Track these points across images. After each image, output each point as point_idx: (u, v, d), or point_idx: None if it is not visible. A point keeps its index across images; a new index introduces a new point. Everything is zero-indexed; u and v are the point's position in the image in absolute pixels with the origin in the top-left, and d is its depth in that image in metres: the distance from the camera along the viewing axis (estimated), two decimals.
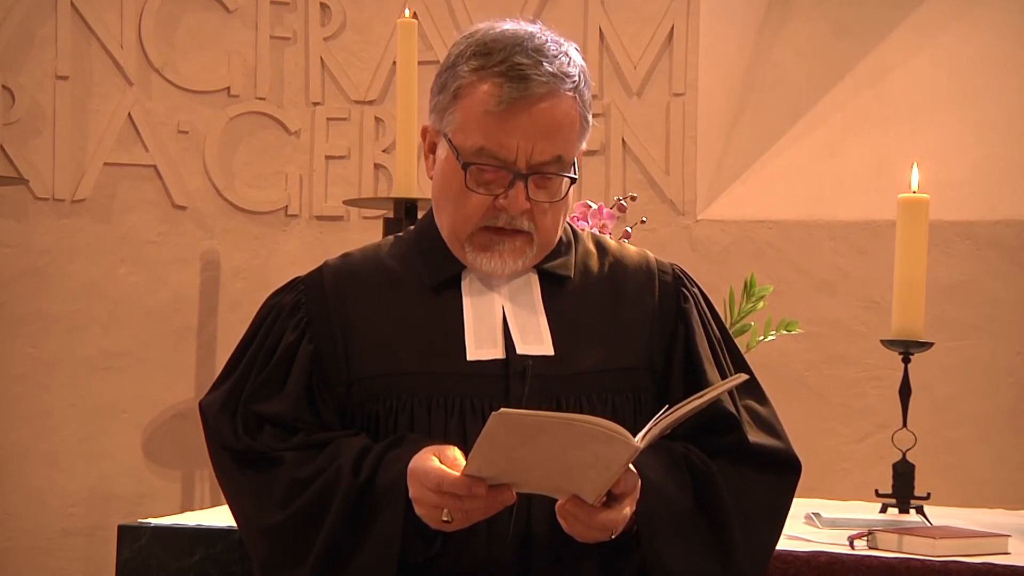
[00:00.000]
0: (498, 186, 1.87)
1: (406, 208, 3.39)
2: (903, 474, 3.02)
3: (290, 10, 4.40)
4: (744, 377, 1.86)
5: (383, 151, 4.39)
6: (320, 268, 2.01)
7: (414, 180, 3.42)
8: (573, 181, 1.91)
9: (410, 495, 1.79)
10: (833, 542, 2.57)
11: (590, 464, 1.69)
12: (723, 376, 1.97)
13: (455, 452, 1.79)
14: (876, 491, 3.05)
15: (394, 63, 4.00)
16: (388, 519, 1.82)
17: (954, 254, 4.03)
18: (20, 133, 4.14)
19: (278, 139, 4.41)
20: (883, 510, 3.02)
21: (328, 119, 4.42)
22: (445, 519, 1.75)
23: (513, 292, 1.94)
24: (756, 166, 4.33)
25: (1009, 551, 2.56)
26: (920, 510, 2.98)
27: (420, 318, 1.93)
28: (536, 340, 1.91)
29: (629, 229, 3.08)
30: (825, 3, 4.44)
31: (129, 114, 4.24)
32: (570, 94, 1.87)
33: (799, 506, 2.23)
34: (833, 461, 4.04)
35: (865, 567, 2.44)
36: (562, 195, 1.90)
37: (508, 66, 1.84)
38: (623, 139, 4.26)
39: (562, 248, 1.98)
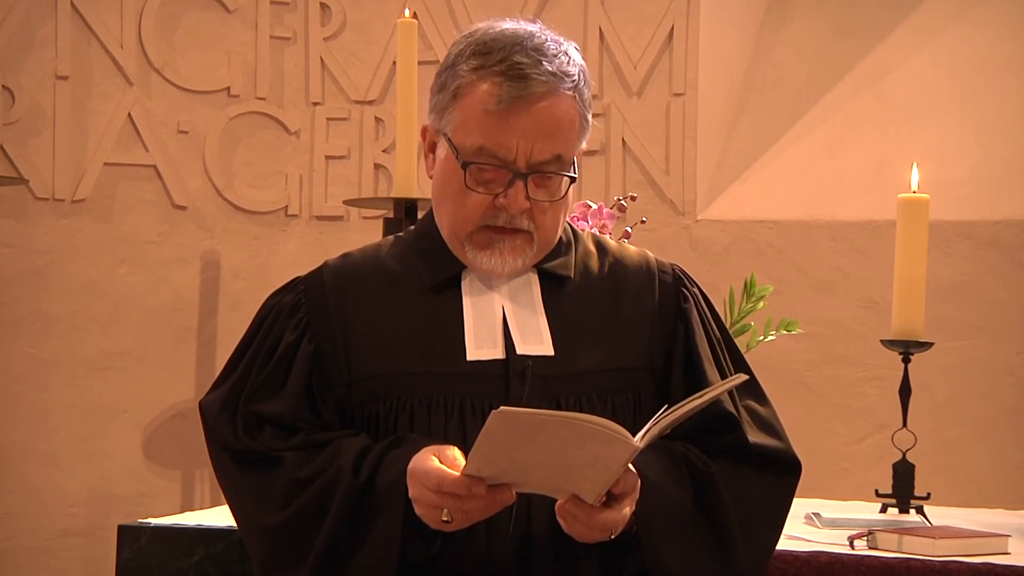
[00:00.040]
0: (498, 185, 1.87)
1: (406, 208, 3.39)
2: (903, 474, 3.02)
3: (290, 10, 4.40)
4: (744, 377, 1.86)
5: (383, 151, 4.39)
6: (320, 268, 2.01)
7: (414, 180, 3.42)
8: (573, 180, 1.91)
9: (410, 495, 1.79)
10: (833, 542, 2.57)
11: (590, 464, 1.69)
12: (723, 376, 1.97)
13: (455, 452, 1.79)
14: (876, 491, 3.05)
15: (394, 63, 4.00)
16: (388, 519, 1.81)
17: (954, 254, 4.03)
18: (20, 133, 4.14)
19: (278, 139, 4.41)
20: (883, 510, 3.02)
21: (328, 119, 4.42)
22: (445, 519, 1.75)
23: (513, 292, 1.94)
24: (756, 166, 4.33)
25: (1009, 551, 2.56)
26: (920, 510, 2.98)
27: (420, 318, 1.93)
28: (536, 340, 1.91)
29: (629, 229, 3.08)
30: (825, 3, 4.44)
31: (129, 114, 4.24)
32: (570, 93, 1.87)
33: (799, 506, 2.23)
34: (833, 461, 4.04)
35: (865, 567, 2.44)
36: (562, 194, 1.90)
37: (508, 65, 1.84)
38: (623, 139, 4.26)
39: (562, 248, 1.98)
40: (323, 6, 4.41)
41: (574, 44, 1.92)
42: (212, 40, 4.33)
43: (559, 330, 1.93)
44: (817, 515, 2.84)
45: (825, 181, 4.26)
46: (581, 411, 1.84)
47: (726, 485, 1.91)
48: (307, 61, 4.41)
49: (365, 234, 4.15)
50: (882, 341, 3.09)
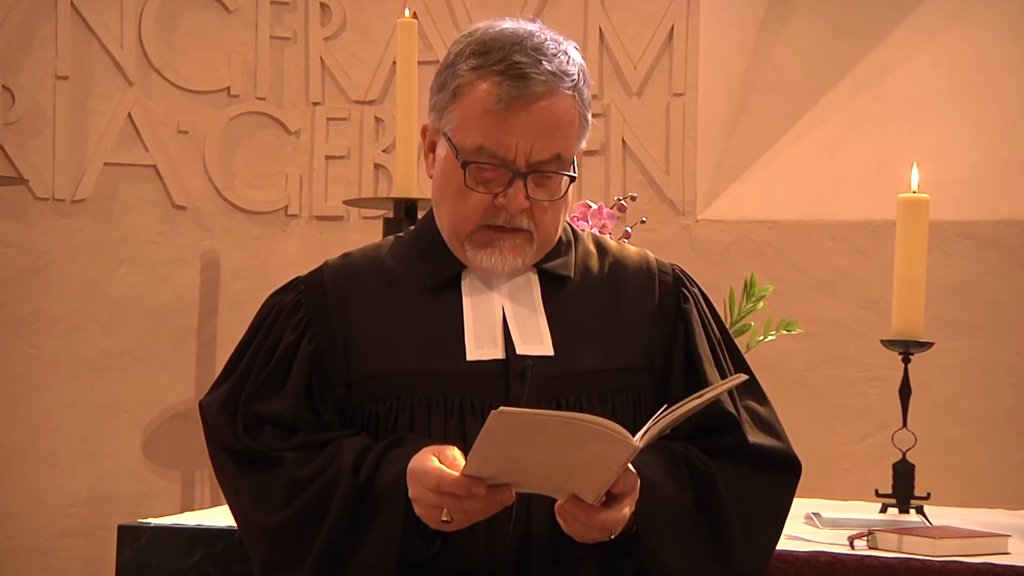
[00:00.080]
0: (497, 184, 1.87)
1: (406, 208, 3.39)
2: (903, 474, 3.02)
3: (290, 10, 4.40)
4: (743, 377, 1.86)
5: (383, 151, 4.39)
6: (320, 268, 2.01)
7: (414, 180, 3.41)
8: (572, 179, 1.91)
9: (410, 495, 1.79)
10: (833, 542, 2.57)
11: (589, 464, 1.69)
12: (723, 376, 1.97)
13: (455, 452, 1.79)
14: (876, 491, 3.05)
15: (394, 63, 4.00)
16: (388, 519, 1.81)
17: (954, 254, 4.03)
18: (20, 133, 4.14)
19: (278, 139, 4.41)
20: (883, 510, 3.02)
21: (328, 119, 4.42)
22: (445, 519, 1.75)
23: (513, 292, 1.94)
24: (756, 166, 4.33)
25: (1009, 551, 2.55)
26: (920, 510, 2.98)
27: (420, 318, 1.93)
28: (536, 340, 1.91)
29: (629, 229, 3.08)
30: (825, 3, 4.44)
31: (129, 114, 4.24)
32: (569, 92, 1.87)
33: (799, 506, 2.23)
34: (833, 461, 4.04)
35: (865, 567, 2.44)
36: (561, 193, 1.90)
37: (507, 65, 1.84)
38: (623, 139, 4.26)
39: (562, 248, 1.98)
40: (323, 6, 4.41)
41: (573, 44, 1.92)
42: (212, 40, 4.33)
43: (559, 330, 1.93)
44: (817, 515, 2.84)
45: (825, 181, 4.26)
46: (581, 411, 1.84)
47: (726, 485, 1.91)
48: (307, 61, 4.41)
49: (365, 234, 4.15)
50: (882, 341, 3.09)
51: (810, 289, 4.13)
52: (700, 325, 2.00)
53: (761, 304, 3.07)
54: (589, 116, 1.91)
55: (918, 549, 2.49)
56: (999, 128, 4.18)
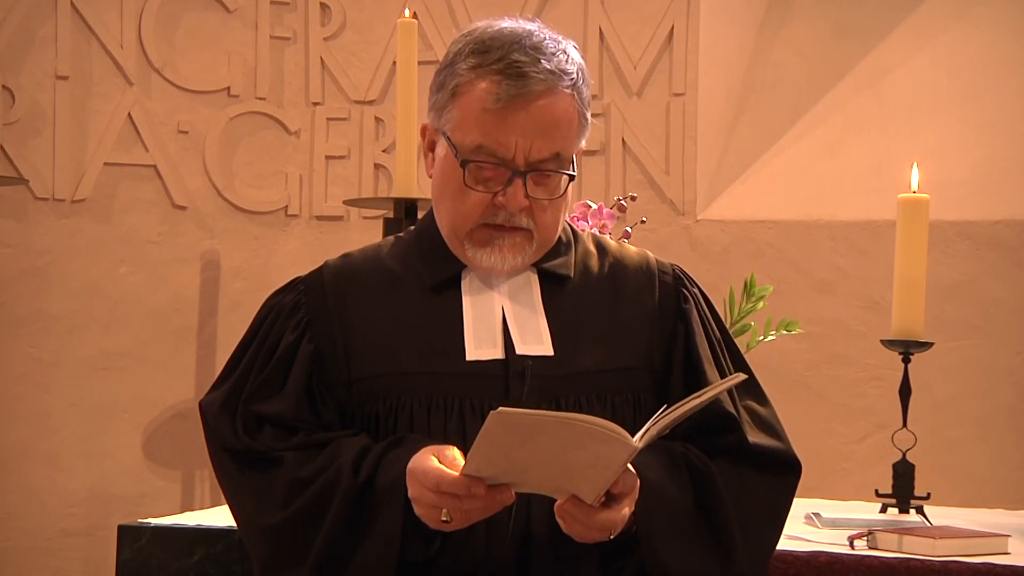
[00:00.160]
0: (497, 183, 1.87)
1: (406, 208, 3.39)
2: (903, 474, 3.02)
3: (290, 10, 4.40)
4: (742, 377, 1.86)
5: (383, 151, 4.39)
6: (320, 268, 2.01)
7: (414, 180, 3.41)
8: (572, 178, 1.91)
9: (409, 495, 1.79)
10: (833, 542, 2.57)
11: (589, 464, 1.69)
12: (723, 376, 1.97)
13: (454, 452, 1.79)
14: (876, 491, 3.05)
15: (394, 63, 4.00)
16: (388, 519, 1.81)
17: (954, 254, 4.03)
18: (20, 133, 4.14)
19: (278, 139, 4.41)
20: (883, 510, 3.02)
21: (328, 119, 4.42)
22: (444, 519, 1.75)
23: (513, 292, 1.94)
24: (756, 166, 4.33)
25: (1009, 551, 2.55)
26: (920, 510, 2.97)
27: (420, 318, 1.93)
28: (536, 340, 1.91)
29: (629, 229, 3.08)
30: (825, 3, 4.44)
31: (129, 114, 4.24)
32: (568, 91, 1.87)
33: (799, 506, 2.23)
34: (833, 461, 4.04)
35: (865, 567, 2.44)
36: (561, 192, 1.90)
37: (506, 64, 1.84)
38: (623, 139, 4.26)
39: (562, 248, 1.98)
40: (323, 6, 4.41)
41: (573, 43, 1.92)
42: (212, 40, 4.33)
43: (559, 330, 1.92)
44: (817, 515, 2.84)
45: (825, 181, 4.26)
46: (580, 411, 1.84)
47: (726, 485, 1.91)
48: (307, 61, 4.41)
49: (365, 234, 4.15)
50: (882, 341, 3.09)
51: (810, 289, 4.13)
52: (700, 325, 2.00)
53: (761, 304, 3.07)
54: (588, 115, 1.91)
55: (918, 549, 2.49)
56: (999, 128, 4.18)
